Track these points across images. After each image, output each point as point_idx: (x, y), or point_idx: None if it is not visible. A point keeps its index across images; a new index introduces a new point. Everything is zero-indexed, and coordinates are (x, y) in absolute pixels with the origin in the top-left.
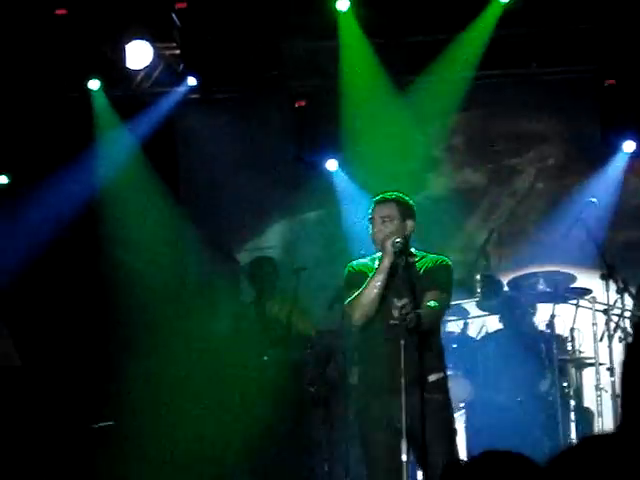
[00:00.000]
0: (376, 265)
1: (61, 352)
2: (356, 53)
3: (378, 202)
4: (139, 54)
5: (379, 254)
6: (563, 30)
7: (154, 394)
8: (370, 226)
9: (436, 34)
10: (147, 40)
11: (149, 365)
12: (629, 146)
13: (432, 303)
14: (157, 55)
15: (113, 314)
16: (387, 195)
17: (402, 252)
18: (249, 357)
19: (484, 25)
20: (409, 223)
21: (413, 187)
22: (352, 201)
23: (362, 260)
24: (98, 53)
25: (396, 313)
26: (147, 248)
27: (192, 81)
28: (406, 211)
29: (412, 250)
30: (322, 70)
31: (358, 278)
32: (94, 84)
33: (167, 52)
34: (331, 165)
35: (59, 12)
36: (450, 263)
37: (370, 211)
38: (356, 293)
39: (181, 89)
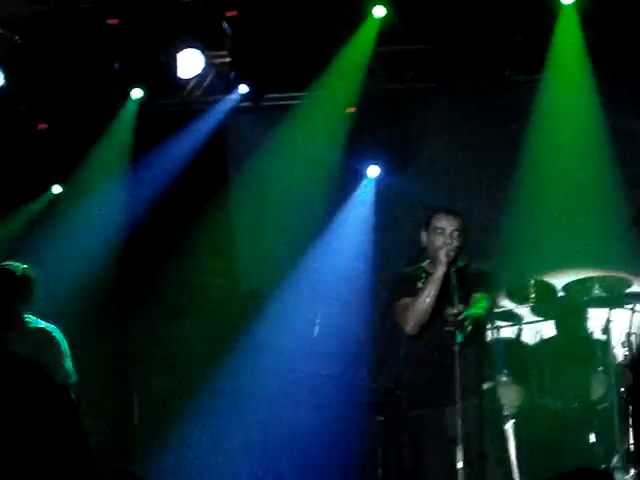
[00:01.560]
0: (423, 275)
1: None
2: None
3: (448, 213)
4: (190, 63)
5: (424, 263)
6: None
7: None
8: (431, 234)
9: None
10: (198, 48)
11: None
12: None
13: (479, 308)
14: (208, 63)
15: None
16: (455, 208)
17: (454, 261)
18: None
19: None
20: (463, 238)
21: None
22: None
23: (406, 269)
24: (148, 62)
25: (450, 320)
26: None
27: (243, 89)
28: (463, 228)
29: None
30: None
31: (406, 285)
32: (137, 93)
33: (218, 60)
34: (372, 171)
35: (111, 22)
36: (492, 270)
37: (434, 222)
38: (408, 301)
39: (232, 97)
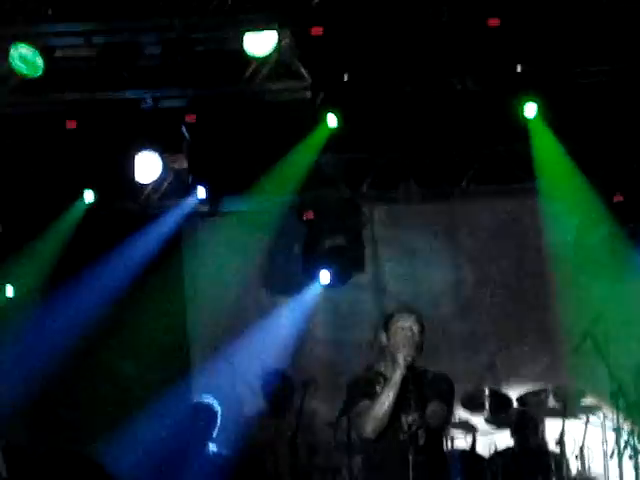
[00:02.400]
0: (381, 378)
1: None
2: None
3: (405, 311)
4: (148, 166)
5: (382, 367)
6: None
7: None
8: (392, 333)
9: None
10: (156, 152)
11: None
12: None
13: (432, 413)
14: (166, 167)
15: None
16: (412, 307)
17: (412, 366)
18: None
19: None
20: (422, 339)
21: None
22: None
23: (364, 373)
24: (106, 165)
25: (405, 428)
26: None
27: (201, 193)
28: (423, 327)
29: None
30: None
31: (364, 389)
32: (89, 196)
33: (176, 165)
34: (324, 277)
35: (69, 125)
36: (450, 378)
37: (394, 320)
38: (367, 404)
39: (190, 201)
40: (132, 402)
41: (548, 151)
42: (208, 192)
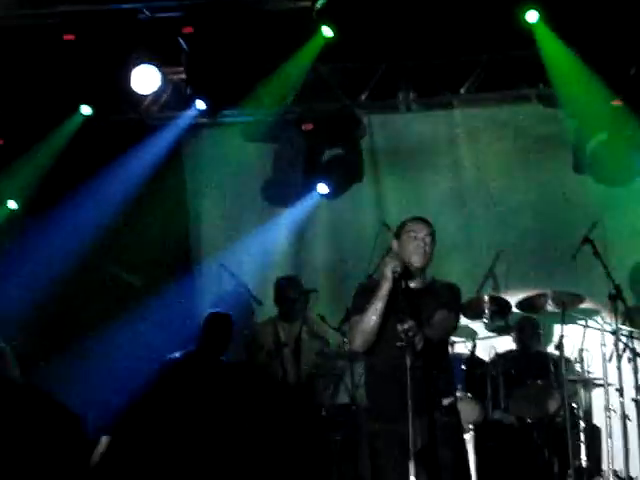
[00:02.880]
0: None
1: None
2: None
3: (418, 221)
4: (147, 79)
5: None
6: None
7: None
8: (403, 240)
9: None
10: (154, 65)
11: None
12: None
13: (438, 323)
14: (165, 79)
15: None
16: (424, 218)
17: (402, 277)
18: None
19: None
20: (432, 249)
21: None
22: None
23: (369, 282)
24: (105, 78)
25: (402, 336)
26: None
27: (200, 105)
28: (434, 238)
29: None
30: (328, 91)
31: (363, 300)
32: (86, 109)
33: (175, 76)
34: (321, 188)
35: (67, 37)
36: (458, 286)
37: (407, 228)
38: (355, 319)
39: (189, 113)
40: (137, 314)
41: (553, 55)
42: (207, 103)
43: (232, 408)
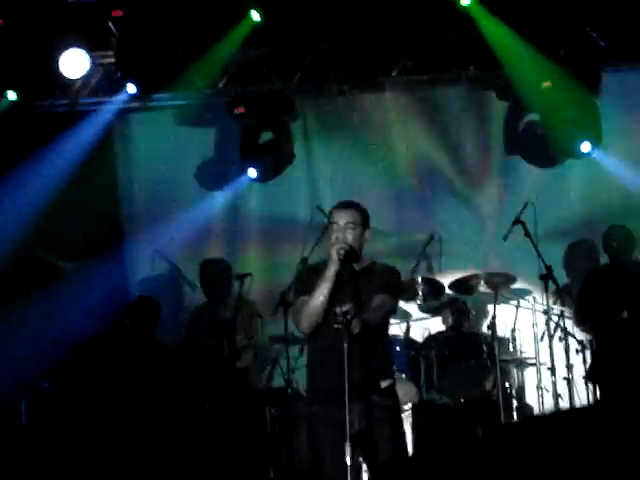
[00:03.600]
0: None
1: None
2: None
3: (343, 207)
4: (76, 63)
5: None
6: None
7: None
8: (329, 229)
9: None
10: (83, 48)
11: None
12: None
13: (377, 307)
14: (94, 63)
15: None
16: (351, 201)
17: (348, 260)
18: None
19: None
20: (367, 233)
21: None
22: None
23: (314, 264)
24: (32, 62)
25: (339, 319)
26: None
27: (131, 89)
28: (366, 220)
29: (366, 258)
30: (261, 75)
31: (309, 282)
32: (12, 95)
33: (104, 60)
34: (251, 172)
35: None
36: (398, 270)
37: (331, 216)
38: (304, 299)
39: (120, 98)
40: (69, 297)
41: (490, 35)
42: (138, 87)
43: (161, 386)
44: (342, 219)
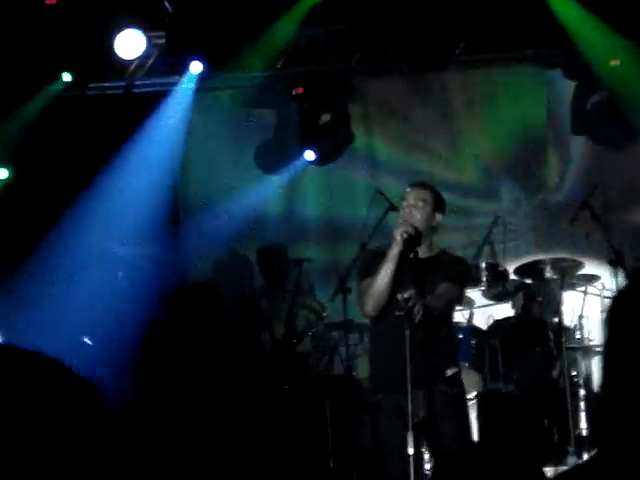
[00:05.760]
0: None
1: None
2: None
3: (415, 186)
4: (131, 43)
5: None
6: None
7: None
8: (401, 210)
9: None
10: (139, 29)
11: None
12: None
13: (441, 294)
14: (150, 44)
15: None
16: (424, 182)
17: (412, 243)
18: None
19: None
20: (438, 216)
21: None
22: None
23: (375, 248)
24: (88, 44)
25: (401, 305)
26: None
27: (197, 67)
28: (439, 202)
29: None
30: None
31: (371, 265)
32: (67, 77)
33: (159, 41)
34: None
35: (50, 2)
36: (466, 260)
37: (404, 195)
38: (369, 282)
39: (181, 78)
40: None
41: (561, 10)
42: (204, 66)
43: (227, 371)
44: (413, 196)
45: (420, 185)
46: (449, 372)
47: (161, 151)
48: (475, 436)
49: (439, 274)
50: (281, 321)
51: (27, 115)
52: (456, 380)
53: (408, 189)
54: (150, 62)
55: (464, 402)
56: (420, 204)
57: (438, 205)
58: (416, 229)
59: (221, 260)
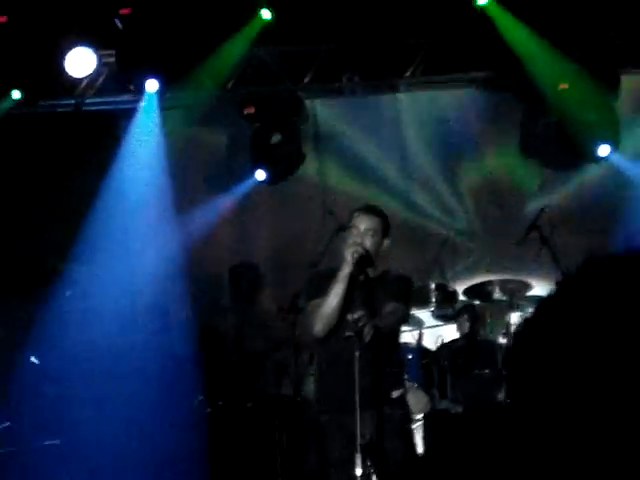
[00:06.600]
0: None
1: None
2: None
3: (365, 212)
4: (82, 61)
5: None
6: None
7: None
8: (348, 233)
9: None
10: (90, 47)
11: None
12: None
13: (388, 313)
14: (100, 62)
15: None
16: (375, 207)
17: (362, 263)
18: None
19: None
20: (386, 242)
21: None
22: None
23: (325, 269)
24: (37, 61)
25: (351, 326)
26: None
27: (152, 86)
28: (386, 228)
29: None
30: (271, 74)
31: (320, 286)
32: (16, 94)
33: (111, 60)
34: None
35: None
36: (410, 278)
37: (353, 219)
38: (318, 302)
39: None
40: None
41: (508, 35)
42: (160, 84)
43: None
44: (363, 224)
45: (369, 211)
46: (395, 394)
47: (145, 173)
48: (421, 456)
49: (385, 293)
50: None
51: None
52: (401, 401)
53: (356, 213)
54: (100, 80)
55: (409, 424)
56: (370, 232)
57: (386, 231)
58: (367, 251)
59: None
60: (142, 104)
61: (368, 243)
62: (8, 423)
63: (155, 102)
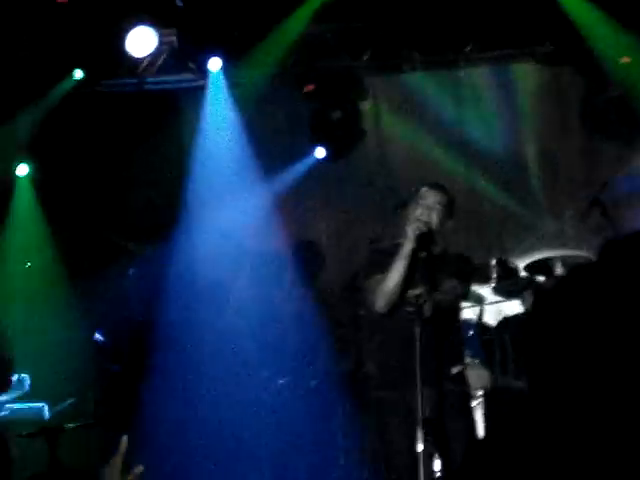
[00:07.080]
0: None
1: None
2: None
3: (434, 187)
4: (142, 41)
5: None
6: None
7: None
8: (412, 209)
9: None
10: (150, 26)
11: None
12: None
13: (448, 289)
14: (161, 41)
15: None
16: (442, 184)
17: (424, 241)
18: None
19: None
20: (450, 222)
21: None
22: None
23: (386, 245)
24: (99, 41)
25: (411, 302)
26: None
27: (215, 64)
28: (452, 206)
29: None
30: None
31: (381, 262)
32: (78, 74)
33: (169, 38)
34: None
35: (60, 0)
36: (470, 257)
37: (421, 194)
38: (379, 278)
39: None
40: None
41: (571, 7)
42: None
43: None
44: (431, 198)
45: (438, 187)
46: (454, 370)
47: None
48: (482, 433)
49: (444, 271)
50: None
51: (40, 112)
52: (461, 378)
53: (425, 188)
54: (161, 59)
55: (468, 400)
56: (438, 207)
57: (451, 210)
58: (430, 228)
59: None
60: (208, 82)
61: (435, 218)
62: (74, 399)
63: (221, 80)
